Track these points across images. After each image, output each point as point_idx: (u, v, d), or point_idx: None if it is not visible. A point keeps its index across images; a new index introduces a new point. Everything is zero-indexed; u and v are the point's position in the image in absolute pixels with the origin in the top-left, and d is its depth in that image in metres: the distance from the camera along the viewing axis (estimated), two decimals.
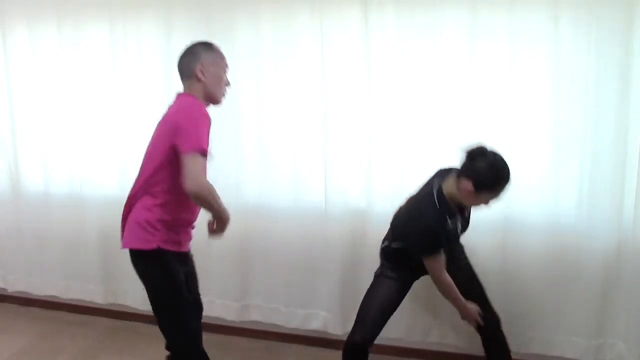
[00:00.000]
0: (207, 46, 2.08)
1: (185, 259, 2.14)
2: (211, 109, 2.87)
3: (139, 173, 2.05)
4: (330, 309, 2.87)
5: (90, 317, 3.37)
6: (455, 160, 2.48)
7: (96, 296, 3.29)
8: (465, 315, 2.22)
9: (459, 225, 2.16)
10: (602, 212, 2.42)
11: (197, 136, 1.87)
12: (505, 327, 2.58)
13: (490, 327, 2.27)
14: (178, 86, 2.88)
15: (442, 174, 2.19)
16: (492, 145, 2.50)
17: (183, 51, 2.11)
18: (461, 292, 2.18)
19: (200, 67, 2.03)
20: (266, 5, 2.71)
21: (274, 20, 2.71)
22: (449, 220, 2.06)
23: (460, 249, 2.35)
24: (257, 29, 2.74)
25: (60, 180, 3.24)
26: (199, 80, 2.03)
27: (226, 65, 2.11)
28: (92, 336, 3.16)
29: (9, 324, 3.33)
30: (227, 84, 2.12)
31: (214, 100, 2.10)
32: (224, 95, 2.12)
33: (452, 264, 2.19)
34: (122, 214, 2.07)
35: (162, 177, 1.96)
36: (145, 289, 2.05)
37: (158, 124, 2.06)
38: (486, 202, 2.06)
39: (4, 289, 3.54)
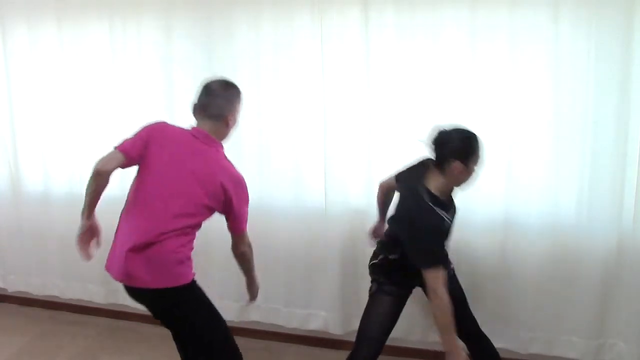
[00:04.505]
0: (238, 91, 2.11)
1: None
2: None
3: (162, 207, 1.95)
4: (330, 309, 2.87)
5: (90, 317, 3.37)
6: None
7: (96, 296, 3.29)
8: (451, 351, 2.00)
9: (453, 217, 2.12)
10: (602, 212, 2.42)
11: (245, 220, 2.08)
12: (505, 328, 2.58)
13: (471, 331, 2.23)
14: (178, 86, 2.90)
15: (412, 174, 2.14)
16: (493, 146, 2.52)
17: (215, 88, 2.07)
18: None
19: (232, 114, 2.06)
20: (266, 5, 2.71)
21: (274, 20, 2.71)
22: (445, 218, 2.03)
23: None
24: (257, 29, 2.74)
25: (60, 180, 3.24)
26: (227, 125, 2.06)
27: None
28: (92, 336, 3.16)
29: (9, 324, 3.33)
30: None
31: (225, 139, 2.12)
32: None
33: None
34: (132, 246, 1.93)
35: (196, 222, 2.01)
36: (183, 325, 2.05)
37: (181, 156, 1.99)
38: (474, 170, 2.05)
39: (4, 289, 3.54)
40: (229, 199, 1.98)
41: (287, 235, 2.87)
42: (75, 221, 2.06)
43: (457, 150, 1.98)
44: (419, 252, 2.01)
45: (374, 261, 2.25)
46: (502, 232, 2.54)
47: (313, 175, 2.78)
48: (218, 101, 2.04)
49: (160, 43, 2.90)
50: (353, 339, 2.27)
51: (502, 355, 2.31)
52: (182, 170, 1.96)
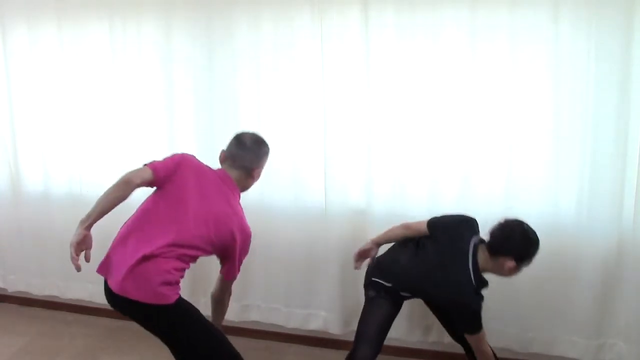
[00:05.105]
0: (269, 149, 2.22)
1: None
2: (211, 108, 2.88)
3: (177, 233, 1.98)
4: (330, 309, 2.87)
5: (90, 317, 3.36)
6: (458, 165, 2.48)
7: (96, 296, 3.28)
8: None
9: None
10: (602, 212, 2.42)
11: (238, 269, 2.17)
12: (505, 328, 2.58)
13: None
14: (178, 86, 2.90)
15: (456, 234, 2.14)
16: (493, 146, 2.52)
17: (249, 144, 2.16)
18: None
19: (258, 169, 2.18)
20: (266, 5, 2.71)
21: (274, 20, 2.71)
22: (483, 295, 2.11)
23: None
24: (257, 29, 2.74)
25: (60, 180, 3.24)
26: (252, 178, 2.17)
27: None
28: (92, 336, 3.16)
29: (9, 324, 3.33)
30: None
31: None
32: None
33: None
34: (132, 262, 1.94)
35: (197, 255, 2.06)
36: (170, 342, 2.03)
37: (208, 193, 2.05)
38: (521, 270, 2.10)
39: (4, 289, 3.53)
40: (233, 246, 2.08)
41: (287, 235, 2.87)
42: (76, 222, 2.05)
43: (516, 250, 2.04)
44: (465, 323, 2.11)
45: (381, 282, 2.25)
46: None
47: (313, 175, 2.78)
48: (249, 155, 2.15)
49: (160, 43, 2.90)
50: (353, 339, 2.28)
51: (502, 355, 2.32)
52: (205, 206, 2.04)
